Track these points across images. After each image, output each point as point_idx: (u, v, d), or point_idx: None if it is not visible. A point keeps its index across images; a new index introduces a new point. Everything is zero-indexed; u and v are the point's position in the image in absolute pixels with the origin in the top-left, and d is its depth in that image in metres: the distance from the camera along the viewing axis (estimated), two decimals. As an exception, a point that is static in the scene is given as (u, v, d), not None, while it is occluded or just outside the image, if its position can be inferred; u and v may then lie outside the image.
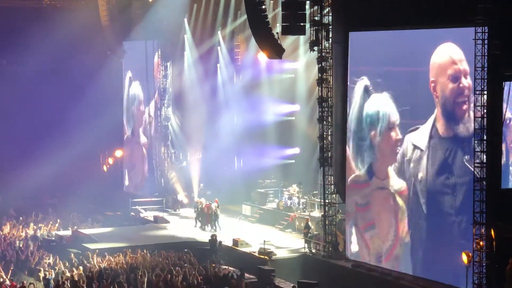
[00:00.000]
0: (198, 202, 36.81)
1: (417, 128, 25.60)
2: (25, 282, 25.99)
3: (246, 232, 33.64)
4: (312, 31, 28.84)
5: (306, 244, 29.95)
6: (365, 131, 27.43)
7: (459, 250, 23.15)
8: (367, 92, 27.33)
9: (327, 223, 28.98)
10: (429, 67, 24.95)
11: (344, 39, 28.36)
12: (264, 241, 29.96)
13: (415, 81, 25.88)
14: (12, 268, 28.24)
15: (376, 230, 27.20)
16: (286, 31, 28.72)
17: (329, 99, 29.00)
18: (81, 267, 27.46)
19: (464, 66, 23.73)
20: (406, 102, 26.04)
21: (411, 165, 25.82)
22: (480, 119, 22.60)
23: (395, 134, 26.33)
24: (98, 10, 44.51)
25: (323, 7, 28.80)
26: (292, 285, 26.02)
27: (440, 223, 24.77)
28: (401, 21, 25.63)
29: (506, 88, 22.96)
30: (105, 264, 28.11)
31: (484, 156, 22.58)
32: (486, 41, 22.34)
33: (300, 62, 36.71)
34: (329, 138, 29.13)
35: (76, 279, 25.41)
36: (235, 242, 31.11)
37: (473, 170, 22.87)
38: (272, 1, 36.52)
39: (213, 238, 31.14)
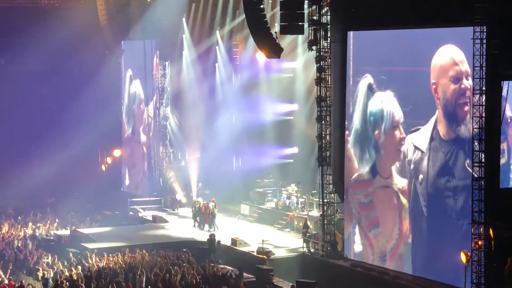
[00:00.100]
0: (195, 201, 36.79)
1: (418, 129, 25.56)
2: (23, 281, 25.98)
3: (245, 231, 33.64)
4: (310, 31, 28.86)
5: (304, 244, 29.95)
6: (369, 129, 27.36)
7: (458, 251, 23.10)
8: (371, 90, 27.27)
9: (325, 222, 28.99)
10: (430, 69, 24.91)
11: (343, 38, 28.36)
12: (263, 241, 29.94)
13: (416, 81, 25.80)
14: (10, 267, 28.20)
15: (380, 229, 27.16)
16: (284, 30, 28.70)
17: (328, 99, 29.01)
18: (79, 267, 27.49)
19: (466, 67, 23.69)
20: (408, 101, 26.01)
21: (412, 166, 25.81)
22: (478, 118, 22.61)
23: (399, 132, 26.26)
24: (97, 10, 44.59)
25: (322, 7, 28.81)
26: (290, 284, 25.99)
27: (441, 225, 24.76)
28: (399, 21, 25.63)
29: (505, 87, 22.96)
30: (104, 264, 28.11)
31: (483, 156, 22.59)
32: (484, 41, 22.36)
33: (299, 61, 36.72)
34: (328, 137, 29.15)
35: (75, 278, 25.41)
36: (234, 242, 31.11)
37: (471, 169, 22.89)
38: (270, 1, 36.48)
39: (212, 238, 31.13)
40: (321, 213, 29.38)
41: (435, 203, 25.00)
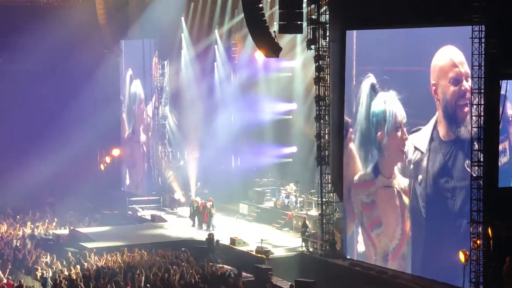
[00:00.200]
0: (193, 201, 36.76)
1: (419, 129, 25.53)
2: (22, 281, 25.97)
3: (244, 230, 33.61)
4: (309, 30, 28.86)
5: (303, 243, 29.95)
6: (372, 130, 27.31)
7: (457, 250, 23.09)
8: (373, 90, 27.22)
9: (324, 221, 28.99)
10: (430, 69, 24.89)
11: (341, 37, 28.36)
12: (262, 240, 29.94)
13: (417, 81, 25.75)
14: (9, 267, 28.17)
15: (383, 229, 27.13)
16: (283, 29, 28.71)
17: (326, 98, 28.99)
18: (78, 266, 27.46)
19: (465, 69, 23.64)
20: (409, 102, 25.96)
21: (411, 166, 25.80)
22: (477, 117, 22.60)
23: (402, 133, 26.21)
24: (95, 9, 44.65)
25: (320, 6, 28.80)
26: (289, 283, 25.96)
27: (439, 226, 24.77)
28: (397, 20, 25.60)
29: (503, 86, 22.95)
30: (103, 263, 28.09)
31: (481, 155, 22.58)
32: (483, 40, 22.35)
33: (297, 60, 36.71)
34: (326, 136, 29.15)
35: (74, 278, 25.39)
36: (233, 241, 31.10)
37: (470, 169, 22.89)
38: (269, 0, 36.50)
39: (211, 237, 31.11)
40: (320, 212, 29.38)
41: (434, 204, 24.98)
